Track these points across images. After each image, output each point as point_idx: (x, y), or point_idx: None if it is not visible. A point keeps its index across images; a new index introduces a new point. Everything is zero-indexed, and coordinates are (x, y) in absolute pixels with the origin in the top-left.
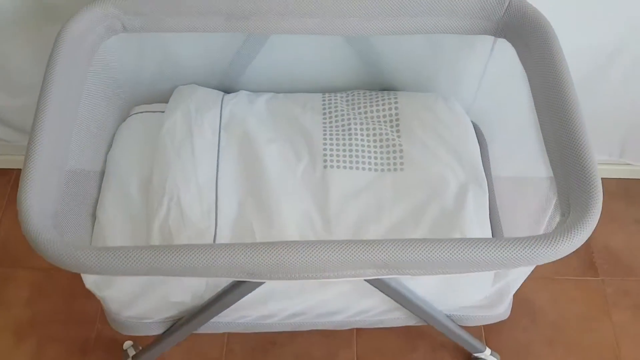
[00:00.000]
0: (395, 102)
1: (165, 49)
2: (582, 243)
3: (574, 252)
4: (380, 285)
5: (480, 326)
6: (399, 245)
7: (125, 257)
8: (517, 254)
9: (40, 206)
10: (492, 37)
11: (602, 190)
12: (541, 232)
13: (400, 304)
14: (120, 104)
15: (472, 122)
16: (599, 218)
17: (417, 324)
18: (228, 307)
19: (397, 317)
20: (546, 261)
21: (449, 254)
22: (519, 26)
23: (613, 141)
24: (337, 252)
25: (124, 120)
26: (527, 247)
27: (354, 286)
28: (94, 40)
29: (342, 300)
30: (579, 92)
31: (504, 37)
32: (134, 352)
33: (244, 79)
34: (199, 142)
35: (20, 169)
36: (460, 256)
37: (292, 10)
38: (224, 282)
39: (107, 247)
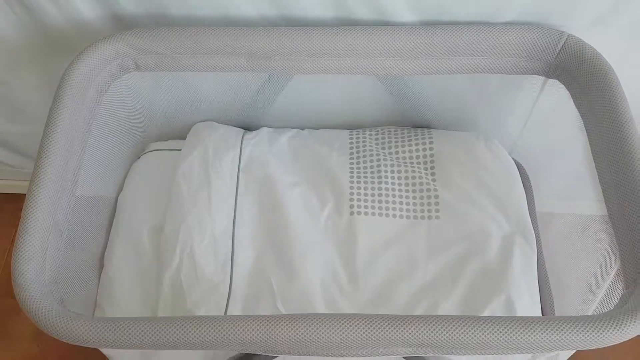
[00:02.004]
0: (430, 142)
1: (183, 84)
2: None
3: None
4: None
5: None
6: (437, 323)
7: (126, 331)
8: (577, 337)
9: (37, 268)
10: (543, 78)
11: None
12: (597, 299)
13: None
14: (134, 140)
15: (515, 160)
16: None
17: None
18: None
19: None
20: (610, 344)
21: (497, 336)
22: (575, 69)
23: None
24: (365, 329)
25: (138, 158)
26: (589, 329)
27: None
28: (104, 78)
29: None
30: None
31: (557, 78)
32: None
33: (266, 115)
34: (216, 188)
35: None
36: (510, 339)
37: (321, 51)
38: None
39: (107, 318)
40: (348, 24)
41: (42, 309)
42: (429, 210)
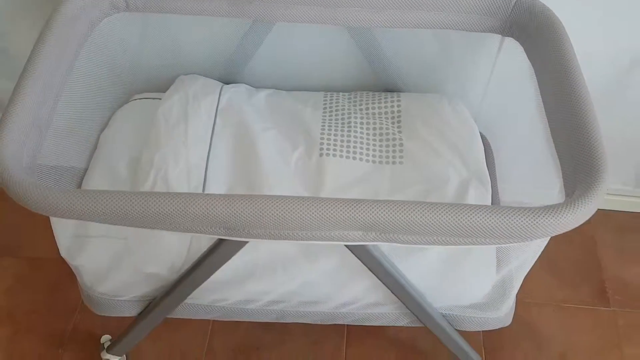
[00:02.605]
0: (399, 101)
1: (168, 35)
2: (588, 217)
3: (585, 280)
4: (367, 258)
5: (479, 348)
6: (390, 206)
7: (96, 199)
8: (519, 222)
9: (17, 154)
10: (500, 37)
11: (608, 167)
12: None
13: (391, 289)
14: (120, 91)
15: (479, 132)
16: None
17: (408, 325)
18: (207, 275)
19: (387, 313)
20: (550, 234)
21: (444, 218)
22: (527, 24)
23: (628, 169)
24: (321, 208)
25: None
26: (530, 217)
27: (340, 264)
28: (95, 15)
29: (327, 283)
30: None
31: (512, 35)
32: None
33: (246, 74)
34: (193, 124)
35: None
36: (456, 221)
37: None
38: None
39: (80, 190)
40: None
41: (21, 181)
42: (394, 157)
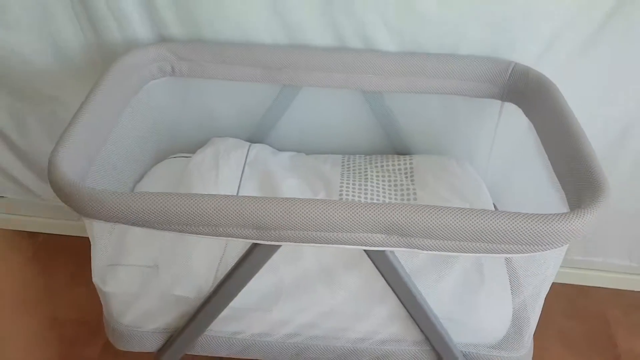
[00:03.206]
0: (411, 160)
1: (205, 100)
2: (595, 224)
3: (599, 354)
4: (386, 266)
5: None
6: (411, 208)
7: (147, 199)
8: (534, 226)
9: (73, 167)
10: (500, 102)
11: (608, 182)
12: None
13: (406, 306)
14: (157, 148)
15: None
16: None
17: None
18: (240, 286)
19: (405, 350)
20: (561, 240)
21: (462, 221)
22: (523, 89)
23: (632, 243)
24: (347, 209)
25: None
26: (544, 222)
27: (359, 292)
28: (145, 75)
29: (345, 313)
30: None
31: (511, 101)
32: None
33: (271, 137)
34: (223, 171)
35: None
36: (475, 224)
37: (318, 64)
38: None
39: (131, 192)
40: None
41: (67, 179)
42: (408, 201)
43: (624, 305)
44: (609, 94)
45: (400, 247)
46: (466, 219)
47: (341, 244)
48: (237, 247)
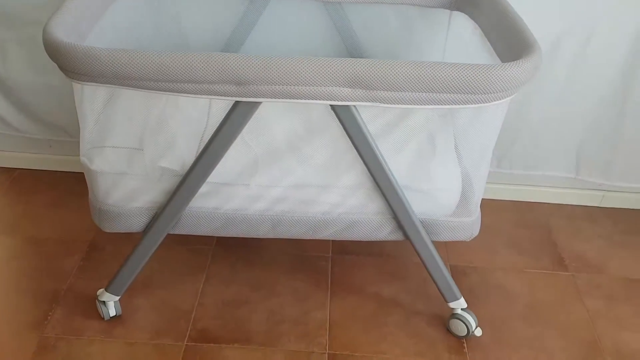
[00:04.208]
0: None
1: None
2: (531, 71)
3: (544, 253)
4: (350, 122)
5: None
6: (374, 63)
7: (131, 55)
8: (477, 74)
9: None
10: (448, 11)
11: (537, 43)
12: None
13: (368, 165)
14: None
15: None
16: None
17: (389, 237)
18: (224, 147)
19: (372, 219)
20: (501, 90)
21: (417, 71)
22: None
23: (569, 155)
24: (316, 63)
25: None
26: (486, 70)
27: (327, 162)
28: None
29: (322, 175)
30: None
31: (458, 9)
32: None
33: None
34: None
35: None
36: (427, 73)
37: None
38: None
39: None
40: None
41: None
42: None
43: (565, 216)
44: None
45: (364, 101)
46: (421, 69)
47: (312, 99)
48: (218, 120)
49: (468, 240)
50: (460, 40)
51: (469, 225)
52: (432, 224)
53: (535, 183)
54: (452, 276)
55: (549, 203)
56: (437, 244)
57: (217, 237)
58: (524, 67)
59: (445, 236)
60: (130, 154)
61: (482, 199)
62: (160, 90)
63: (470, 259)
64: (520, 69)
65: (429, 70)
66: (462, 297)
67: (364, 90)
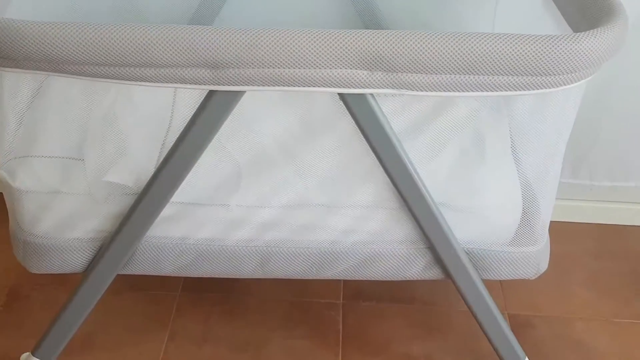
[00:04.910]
0: None
1: None
2: (613, 43)
3: (638, 291)
4: (366, 117)
5: None
6: (398, 35)
7: (65, 28)
8: (538, 48)
9: None
10: None
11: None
12: None
13: (400, 191)
14: None
15: None
16: None
17: (422, 276)
18: (188, 163)
19: (397, 250)
20: (574, 70)
21: (456, 46)
22: None
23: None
24: (320, 37)
25: None
26: (551, 43)
27: (343, 165)
28: None
29: (327, 191)
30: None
31: None
32: None
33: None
34: None
35: None
36: (470, 48)
37: None
38: None
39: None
40: None
41: None
42: None
43: None
44: None
45: (385, 87)
46: (464, 43)
47: (314, 86)
48: (187, 118)
49: (533, 278)
50: (516, 4)
51: (533, 258)
52: (482, 256)
53: (624, 199)
54: (512, 329)
55: None
56: (490, 285)
57: (185, 279)
58: (604, 39)
59: (502, 273)
60: (66, 165)
61: (551, 221)
62: (107, 78)
63: (536, 305)
64: (599, 41)
65: (474, 44)
66: (527, 358)
67: (385, 73)
